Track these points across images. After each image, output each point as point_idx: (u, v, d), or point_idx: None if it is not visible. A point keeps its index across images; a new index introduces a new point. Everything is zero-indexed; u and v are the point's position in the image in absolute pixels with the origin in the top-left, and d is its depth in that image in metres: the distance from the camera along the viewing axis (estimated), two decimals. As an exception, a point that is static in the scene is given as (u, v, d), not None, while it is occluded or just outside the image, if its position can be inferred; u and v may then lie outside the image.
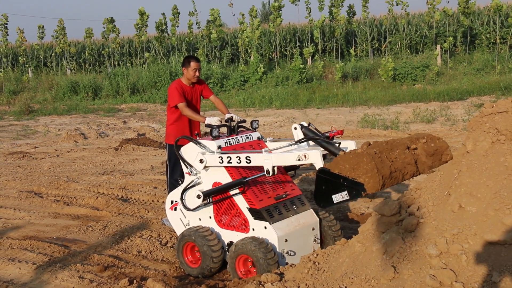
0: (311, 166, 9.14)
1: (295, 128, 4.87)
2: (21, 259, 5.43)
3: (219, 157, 4.75)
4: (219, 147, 4.86)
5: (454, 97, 16.27)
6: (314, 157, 4.23)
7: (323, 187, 3.83)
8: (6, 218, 6.96)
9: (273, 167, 4.46)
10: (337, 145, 4.61)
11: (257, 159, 4.54)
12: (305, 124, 4.88)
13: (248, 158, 4.59)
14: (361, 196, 3.70)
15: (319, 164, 4.18)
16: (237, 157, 4.65)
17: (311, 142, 4.77)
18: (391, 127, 12.34)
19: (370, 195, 3.61)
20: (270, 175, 4.49)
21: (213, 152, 4.85)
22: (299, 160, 4.31)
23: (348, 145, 4.67)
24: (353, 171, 3.64)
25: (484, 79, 18.77)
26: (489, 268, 3.01)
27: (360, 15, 27.23)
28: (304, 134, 4.82)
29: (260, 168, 4.63)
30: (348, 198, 3.75)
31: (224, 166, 4.80)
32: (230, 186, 4.74)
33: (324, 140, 4.61)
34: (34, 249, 5.74)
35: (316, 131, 4.82)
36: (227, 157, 4.70)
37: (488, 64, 21.16)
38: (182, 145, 5.13)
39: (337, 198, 3.78)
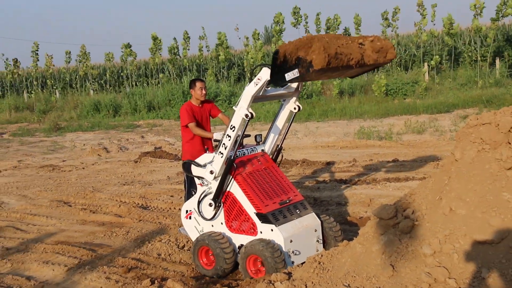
0: (312, 175, 9.17)
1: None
2: (54, 262, 5.48)
3: (218, 154, 4.79)
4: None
5: (441, 110, 16.24)
6: (263, 74, 4.39)
7: (277, 67, 4.07)
8: (40, 225, 7.01)
9: (247, 109, 4.53)
10: None
11: (236, 119, 4.62)
12: None
13: (231, 127, 4.64)
14: (309, 72, 3.86)
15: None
16: (226, 136, 4.69)
17: None
18: (385, 138, 12.33)
19: (319, 71, 3.85)
20: (249, 118, 4.54)
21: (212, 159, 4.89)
22: (256, 85, 4.46)
23: None
24: (303, 51, 3.88)
25: (467, 93, 18.71)
26: (479, 265, 3.02)
27: (354, 36, 27.22)
28: None
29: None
30: (298, 75, 3.96)
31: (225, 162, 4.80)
32: (225, 174, 4.78)
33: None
34: (65, 252, 5.78)
35: None
36: (222, 145, 4.73)
37: (471, 79, 21.12)
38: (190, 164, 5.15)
39: (289, 76, 4.03)
